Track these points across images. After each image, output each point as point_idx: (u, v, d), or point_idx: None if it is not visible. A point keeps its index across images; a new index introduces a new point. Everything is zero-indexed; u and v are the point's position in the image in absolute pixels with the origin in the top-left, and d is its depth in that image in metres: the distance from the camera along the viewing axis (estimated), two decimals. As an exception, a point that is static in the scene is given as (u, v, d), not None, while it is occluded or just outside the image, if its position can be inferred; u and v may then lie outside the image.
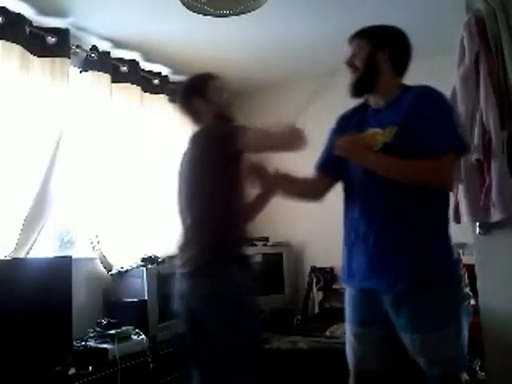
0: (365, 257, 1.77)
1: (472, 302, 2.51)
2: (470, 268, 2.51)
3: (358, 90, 1.87)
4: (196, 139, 2.01)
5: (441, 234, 1.76)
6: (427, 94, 1.76)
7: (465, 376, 2.54)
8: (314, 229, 4.04)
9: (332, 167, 1.95)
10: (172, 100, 3.87)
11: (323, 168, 2.00)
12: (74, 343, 2.70)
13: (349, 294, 1.88)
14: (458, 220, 2.40)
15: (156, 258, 3.31)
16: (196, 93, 2.09)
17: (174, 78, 3.98)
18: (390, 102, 1.81)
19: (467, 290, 2.55)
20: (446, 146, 1.68)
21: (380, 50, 1.81)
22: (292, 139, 1.93)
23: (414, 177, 1.69)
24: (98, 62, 3.27)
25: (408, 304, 1.69)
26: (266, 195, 2.15)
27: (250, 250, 4.10)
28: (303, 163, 2.03)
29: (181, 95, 2.16)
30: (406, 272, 1.69)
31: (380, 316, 1.75)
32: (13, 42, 2.72)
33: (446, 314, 1.70)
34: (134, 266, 3.21)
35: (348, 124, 1.93)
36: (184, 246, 1.99)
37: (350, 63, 1.87)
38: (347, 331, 1.88)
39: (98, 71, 3.28)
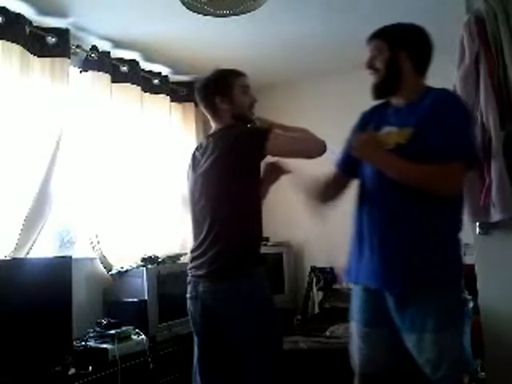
0: (368, 256, 1.77)
1: (470, 304, 2.51)
2: (470, 268, 2.51)
3: (380, 92, 1.83)
4: (223, 141, 1.99)
5: (449, 239, 1.74)
6: (446, 98, 1.74)
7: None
8: (313, 229, 4.03)
9: (351, 166, 1.93)
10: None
11: (343, 167, 1.98)
12: (74, 343, 2.70)
13: (355, 293, 1.87)
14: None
15: (156, 257, 3.31)
16: (218, 90, 2.05)
17: (174, 78, 3.98)
18: (411, 102, 1.78)
19: (465, 294, 2.54)
20: (456, 153, 1.65)
21: (401, 50, 1.77)
22: (314, 146, 1.98)
23: (421, 181, 1.67)
24: (97, 62, 3.27)
25: (410, 305, 1.68)
26: (266, 184, 2.14)
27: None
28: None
29: (203, 90, 2.11)
30: (404, 275, 1.69)
31: (385, 316, 1.74)
32: (13, 41, 2.71)
33: (449, 315, 1.69)
34: (134, 266, 3.21)
35: (368, 121, 1.90)
36: (203, 247, 1.97)
37: (371, 65, 1.81)
38: (353, 331, 1.87)
39: (98, 71, 3.28)
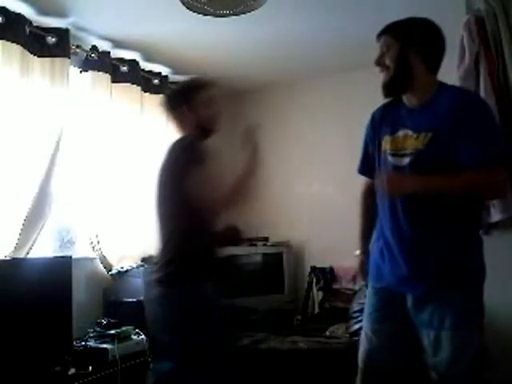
0: (390, 258, 1.77)
1: None
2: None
3: (391, 90, 1.79)
4: (170, 152, 2.02)
5: (472, 238, 1.74)
6: (466, 99, 1.70)
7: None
8: (314, 229, 4.04)
9: (372, 167, 1.91)
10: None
11: (367, 170, 1.95)
12: (74, 343, 2.70)
13: (372, 290, 1.87)
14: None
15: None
16: (183, 100, 2.08)
17: (173, 78, 3.98)
18: (425, 101, 1.74)
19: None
20: (496, 156, 1.62)
21: (410, 47, 1.72)
22: (212, 208, 1.93)
23: (471, 192, 1.65)
24: (97, 62, 3.27)
25: (429, 302, 1.69)
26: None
27: (250, 250, 4.15)
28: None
29: (168, 100, 2.15)
30: (429, 276, 1.69)
31: (400, 314, 1.75)
32: (13, 41, 2.72)
33: (468, 314, 1.69)
34: (134, 266, 3.21)
35: (381, 123, 1.86)
36: (160, 251, 2.02)
37: (380, 62, 1.77)
38: (365, 327, 1.86)
39: (98, 71, 3.28)
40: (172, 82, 3.96)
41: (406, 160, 1.72)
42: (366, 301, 1.91)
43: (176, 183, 1.93)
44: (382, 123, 1.86)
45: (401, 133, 1.76)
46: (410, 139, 1.72)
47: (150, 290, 2.02)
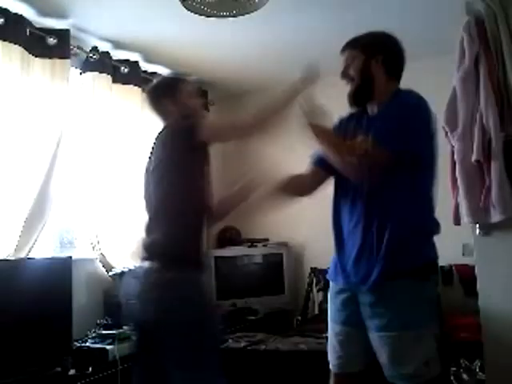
0: (347, 253, 1.82)
1: None
2: (471, 269, 2.51)
3: (356, 99, 1.89)
4: (160, 140, 2.04)
5: (421, 224, 1.77)
6: (406, 98, 1.78)
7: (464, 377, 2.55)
8: (314, 229, 4.03)
9: (327, 163, 1.94)
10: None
11: (319, 162, 1.99)
12: (74, 344, 2.70)
13: (331, 293, 1.91)
14: (457, 221, 2.41)
15: (156, 258, 3.30)
16: (166, 93, 2.13)
17: (174, 78, 3.99)
18: (382, 107, 1.82)
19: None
20: (392, 145, 1.68)
21: (373, 58, 1.83)
22: (257, 126, 2.05)
23: (341, 156, 1.75)
24: (98, 62, 3.27)
25: (382, 303, 1.70)
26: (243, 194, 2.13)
27: (250, 251, 4.14)
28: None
29: (151, 93, 2.19)
30: (380, 261, 1.71)
31: (358, 316, 1.77)
32: (13, 42, 2.72)
33: (415, 315, 1.70)
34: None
35: (347, 126, 1.93)
36: (148, 248, 2.03)
37: (345, 74, 1.88)
38: (329, 330, 1.90)
39: (99, 72, 3.28)
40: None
41: None
42: (328, 298, 1.94)
43: (182, 163, 1.93)
44: (348, 127, 1.92)
45: (358, 138, 1.81)
46: (364, 142, 1.76)
47: (141, 281, 1.99)
